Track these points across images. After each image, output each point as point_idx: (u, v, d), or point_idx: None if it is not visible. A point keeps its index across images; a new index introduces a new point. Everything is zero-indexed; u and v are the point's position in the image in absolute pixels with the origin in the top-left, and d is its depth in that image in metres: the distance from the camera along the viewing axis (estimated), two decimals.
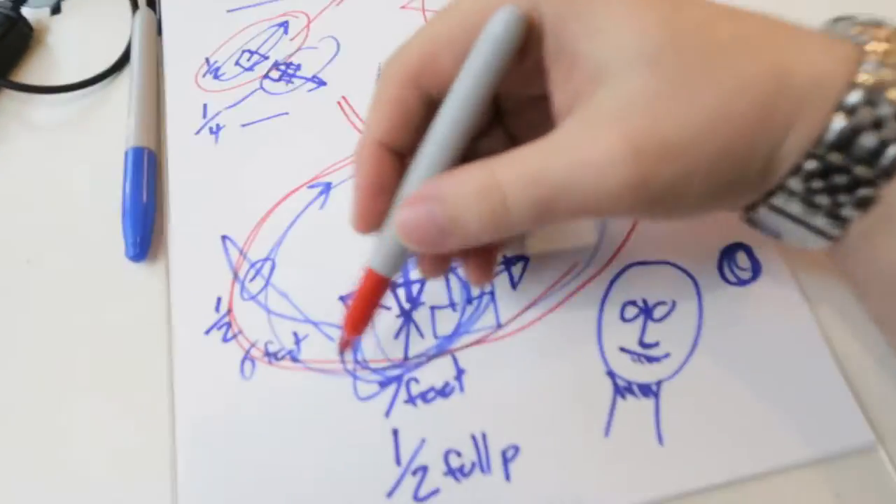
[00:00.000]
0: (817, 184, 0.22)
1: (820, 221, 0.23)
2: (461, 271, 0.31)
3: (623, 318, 0.30)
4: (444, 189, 0.23)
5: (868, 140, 0.21)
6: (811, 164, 0.22)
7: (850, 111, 0.21)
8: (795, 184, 0.22)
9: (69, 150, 0.39)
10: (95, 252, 0.35)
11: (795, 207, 0.23)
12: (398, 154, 0.26)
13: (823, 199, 0.22)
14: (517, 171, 0.22)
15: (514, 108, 0.27)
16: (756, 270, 0.30)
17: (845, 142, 0.21)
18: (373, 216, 0.26)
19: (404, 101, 0.25)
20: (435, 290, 0.32)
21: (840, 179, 0.22)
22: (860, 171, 0.21)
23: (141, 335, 0.33)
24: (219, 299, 0.32)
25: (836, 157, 0.21)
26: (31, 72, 0.42)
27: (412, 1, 0.41)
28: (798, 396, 0.27)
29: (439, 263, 0.28)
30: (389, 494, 0.27)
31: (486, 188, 0.22)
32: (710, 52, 0.22)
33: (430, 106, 0.25)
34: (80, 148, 0.39)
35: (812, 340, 0.28)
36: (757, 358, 0.28)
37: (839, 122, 0.21)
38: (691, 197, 0.22)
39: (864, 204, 0.22)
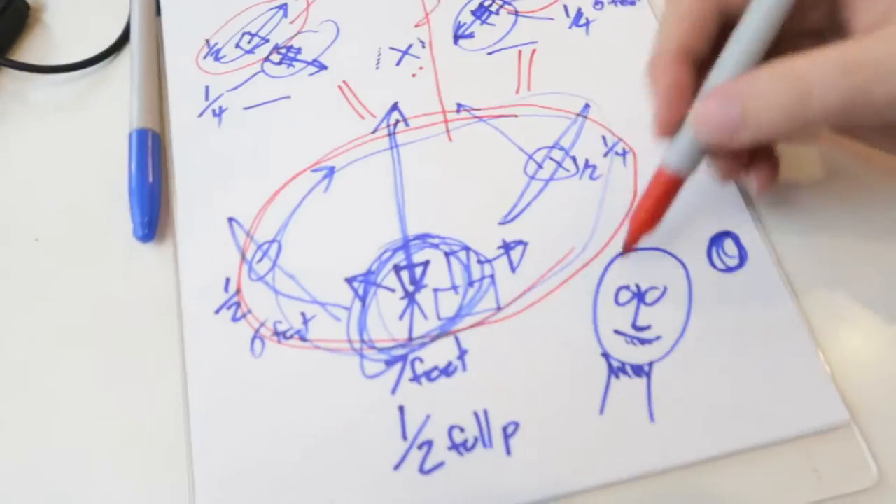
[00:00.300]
0: None
1: None
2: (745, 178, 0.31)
3: (617, 302, 0.32)
4: (742, 84, 0.24)
5: None
6: None
7: None
8: None
9: (71, 130, 0.39)
10: (103, 232, 0.36)
11: None
12: (692, 64, 0.27)
13: None
14: (825, 62, 0.23)
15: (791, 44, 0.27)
16: (742, 257, 0.32)
17: None
18: (672, 122, 0.27)
19: (701, 11, 0.26)
20: (437, 274, 0.33)
21: None
22: None
23: (151, 314, 0.34)
24: (227, 280, 0.34)
25: None
26: (29, 51, 0.42)
27: None
28: (779, 378, 0.29)
29: (731, 165, 0.29)
30: (396, 467, 0.29)
31: (786, 79, 0.23)
32: None
33: (721, 22, 0.27)
34: (81, 128, 0.39)
35: (793, 325, 0.30)
36: (741, 341, 0.30)
37: None
38: None
39: None
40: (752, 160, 0.30)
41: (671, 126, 0.28)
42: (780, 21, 0.25)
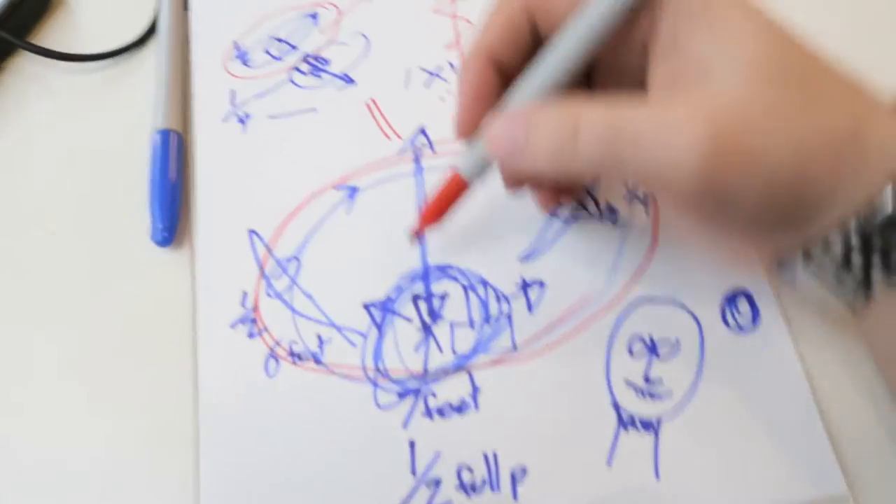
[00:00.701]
0: (856, 241, 0.24)
1: (850, 284, 0.25)
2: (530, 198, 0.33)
3: (630, 353, 0.32)
4: (531, 111, 0.25)
5: None
6: (854, 223, 0.24)
7: None
8: (835, 237, 0.24)
9: (91, 121, 0.38)
10: (120, 231, 0.35)
11: (829, 264, 0.25)
12: (500, 71, 0.28)
13: (857, 261, 0.24)
14: (598, 113, 0.24)
15: (602, 77, 0.29)
16: (755, 318, 0.33)
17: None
18: (471, 123, 0.28)
19: (516, 23, 0.27)
20: (455, 307, 0.33)
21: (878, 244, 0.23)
22: None
23: (164, 321, 0.33)
24: (245, 294, 0.34)
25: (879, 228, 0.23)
26: (51, 35, 0.41)
27: (444, 6, 0.41)
28: (783, 444, 0.30)
29: (515, 181, 0.31)
30: (404, 503, 0.29)
31: (563, 119, 0.24)
32: (808, 81, 0.24)
33: (534, 37, 0.27)
34: (102, 120, 0.38)
35: (800, 394, 0.31)
36: (748, 404, 0.31)
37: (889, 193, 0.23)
38: (743, 207, 0.24)
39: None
40: (538, 182, 0.31)
41: (469, 129, 0.28)
42: (586, 54, 0.26)
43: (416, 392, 0.31)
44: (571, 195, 0.34)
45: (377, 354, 0.32)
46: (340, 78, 0.39)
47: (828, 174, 0.23)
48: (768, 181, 0.23)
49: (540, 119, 0.25)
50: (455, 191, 0.30)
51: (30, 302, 0.34)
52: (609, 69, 0.28)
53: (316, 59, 0.39)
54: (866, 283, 0.24)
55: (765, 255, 0.32)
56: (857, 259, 0.24)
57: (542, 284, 0.34)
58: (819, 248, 0.25)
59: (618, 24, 0.25)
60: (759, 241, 0.27)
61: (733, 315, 0.33)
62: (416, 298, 0.33)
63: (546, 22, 0.27)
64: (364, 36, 0.40)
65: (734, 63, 0.23)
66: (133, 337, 0.33)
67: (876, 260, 0.24)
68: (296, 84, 0.39)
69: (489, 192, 0.35)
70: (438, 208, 0.30)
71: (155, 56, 0.40)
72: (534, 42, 0.27)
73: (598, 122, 0.24)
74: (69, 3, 0.43)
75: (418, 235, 0.32)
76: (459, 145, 0.29)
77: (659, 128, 0.23)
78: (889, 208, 0.23)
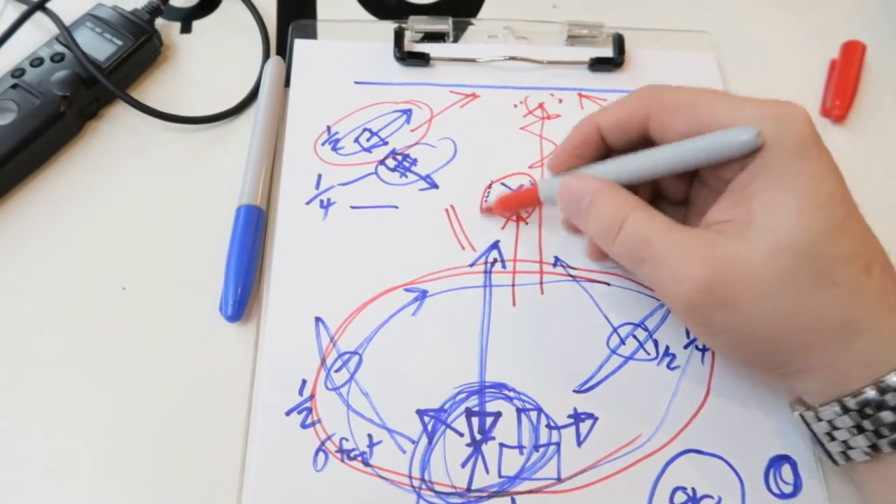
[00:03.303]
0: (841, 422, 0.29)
1: (834, 448, 0.30)
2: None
3: (671, 502, 0.32)
4: (603, 193, 0.31)
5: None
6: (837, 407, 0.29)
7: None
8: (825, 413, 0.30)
9: (179, 182, 0.40)
10: (190, 297, 0.36)
11: (820, 427, 0.30)
12: (603, 140, 0.33)
13: (841, 435, 0.30)
14: (642, 223, 0.30)
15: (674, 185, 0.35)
16: (797, 487, 0.33)
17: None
18: (562, 164, 0.35)
19: (634, 119, 0.32)
20: (506, 428, 0.34)
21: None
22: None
23: (220, 396, 0.34)
24: (304, 382, 0.34)
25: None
26: (154, 89, 0.43)
27: (531, 125, 0.43)
28: None
29: (572, 227, 0.38)
30: None
31: (617, 212, 0.31)
32: (827, 270, 0.28)
33: (640, 131, 0.32)
34: (190, 183, 0.40)
35: None
36: None
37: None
38: (722, 341, 0.31)
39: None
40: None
41: (559, 168, 0.35)
42: (679, 170, 0.31)
43: None
44: None
45: (424, 464, 0.33)
46: (424, 179, 0.40)
47: (801, 352, 0.29)
48: (742, 333, 0.29)
49: (602, 200, 0.31)
50: (526, 199, 0.37)
51: (90, 352, 0.35)
52: (703, 181, 0.34)
53: (404, 156, 0.41)
54: (845, 456, 0.30)
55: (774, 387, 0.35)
56: (841, 435, 0.30)
57: (594, 418, 0.34)
58: (812, 416, 0.30)
59: (705, 164, 0.31)
60: (751, 370, 0.34)
61: (776, 480, 0.33)
62: (469, 413, 0.34)
63: (660, 133, 0.32)
64: (452, 141, 0.42)
65: (770, 231, 0.28)
66: (186, 407, 0.34)
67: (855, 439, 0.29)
68: (381, 178, 0.40)
69: (551, 319, 0.36)
70: (510, 202, 0.38)
71: (250, 127, 0.41)
72: (641, 138, 0.33)
73: (636, 231, 0.30)
74: (175, 59, 0.44)
75: (485, 212, 0.39)
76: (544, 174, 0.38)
77: (675, 256, 0.29)
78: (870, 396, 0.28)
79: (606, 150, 0.34)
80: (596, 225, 0.32)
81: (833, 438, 0.30)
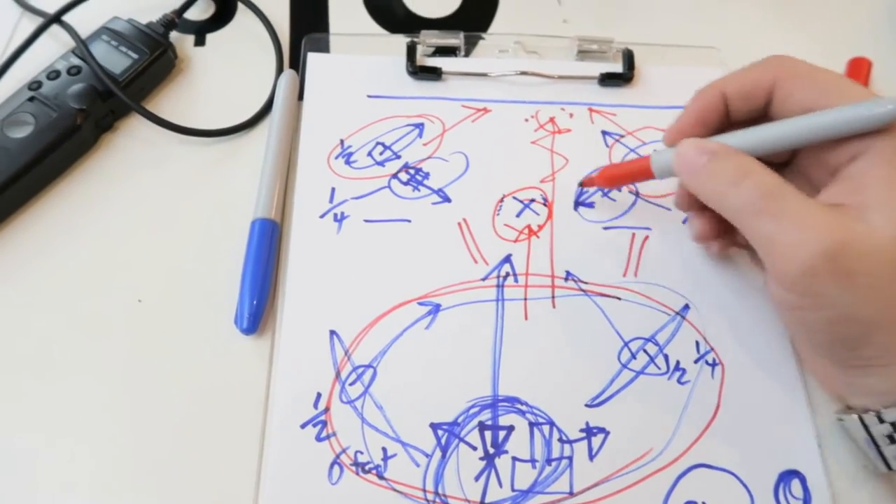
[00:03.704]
0: None
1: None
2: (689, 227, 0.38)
3: None
4: (722, 150, 0.31)
5: None
6: None
7: None
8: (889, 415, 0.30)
9: (194, 194, 0.40)
10: (205, 310, 0.37)
11: (880, 430, 0.31)
12: (725, 110, 0.33)
13: None
14: (769, 179, 0.29)
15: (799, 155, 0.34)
16: (807, 502, 0.34)
17: None
18: (680, 134, 0.33)
19: (759, 85, 0.32)
20: (519, 442, 0.34)
21: None
22: None
23: (235, 408, 0.34)
24: (318, 395, 0.34)
25: None
26: (169, 102, 0.43)
27: (542, 139, 0.43)
28: None
29: (685, 202, 0.36)
30: None
31: (741, 166, 0.30)
32: None
33: (766, 103, 0.32)
34: (205, 196, 0.40)
35: None
36: None
37: None
38: (815, 317, 0.30)
39: None
40: (721, 234, 0.36)
41: (677, 138, 0.33)
42: (806, 142, 0.31)
43: None
44: (725, 238, 0.36)
45: (438, 477, 0.33)
46: (437, 193, 0.40)
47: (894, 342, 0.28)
48: (847, 310, 0.28)
49: (724, 156, 0.31)
50: (638, 171, 0.36)
51: (105, 364, 0.35)
52: (797, 170, 0.34)
53: (416, 170, 0.41)
54: None
55: (828, 387, 0.36)
56: None
57: (605, 432, 0.35)
58: (873, 418, 0.31)
59: (835, 136, 0.30)
60: (822, 356, 0.32)
61: (786, 495, 0.34)
62: (482, 427, 0.34)
63: (782, 103, 0.32)
64: (464, 155, 0.42)
65: (893, 216, 0.28)
66: (201, 419, 0.34)
67: None
68: (394, 192, 0.40)
69: (563, 333, 0.36)
70: (617, 175, 0.37)
71: (264, 140, 0.41)
72: (763, 108, 0.33)
73: (766, 182, 0.29)
74: (190, 72, 0.45)
75: (586, 185, 0.39)
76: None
77: (803, 215, 0.28)
78: None
79: (727, 124, 0.34)
80: (716, 177, 0.31)
81: (894, 441, 0.30)
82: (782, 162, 0.34)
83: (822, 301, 0.29)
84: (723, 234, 0.36)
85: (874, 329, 0.28)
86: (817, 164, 0.32)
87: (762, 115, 0.33)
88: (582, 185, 0.39)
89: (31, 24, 0.45)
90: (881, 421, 0.30)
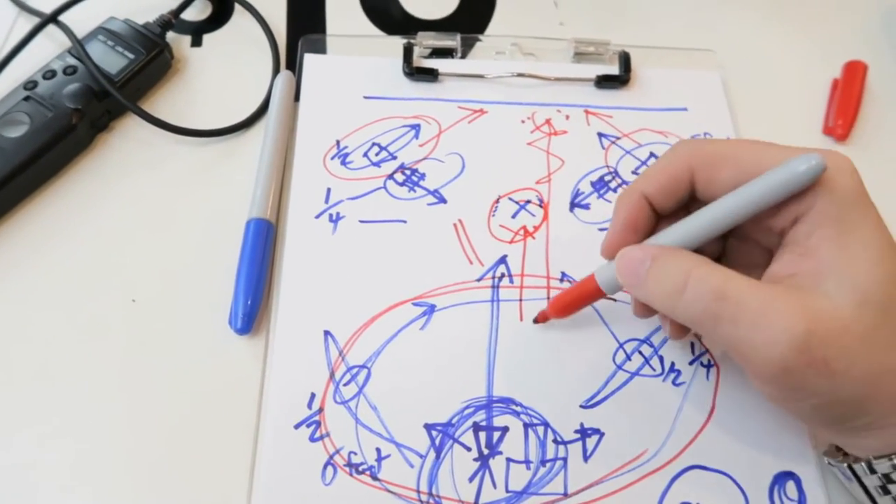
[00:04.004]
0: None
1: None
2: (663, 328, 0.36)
3: None
4: (659, 255, 0.29)
5: None
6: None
7: None
8: (880, 466, 0.29)
9: (189, 195, 0.40)
10: (199, 310, 0.36)
11: (870, 481, 0.30)
12: (652, 210, 0.32)
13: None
14: (711, 277, 0.27)
15: (734, 239, 0.33)
16: (801, 503, 0.33)
17: None
18: (616, 246, 0.32)
19: (678, 177, 0.31)
20: (513, 443, 0.34)
21: None
22: None
23: (229, 409, 0.34)
24: (312, 395, 0.34)
25: None
26: (165, 102, 0.43)
27: (538, 140, 0.43)
28: None
29: (642, 310, 0.33)
30: None
31: (679, 270, 0.28)
32: None
33: (690, 194, 0.31)
34: (200, 196, 0.40)
35: None
36: None
37: None
38: (806, 401, 0.28)
39: None
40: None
41: (613, 251, 0.32)
42: (736, 224, 0.29)
43: None
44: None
45: (432, 479, 0.33)
46: (432, 194, 0.40)
47: (888, 409, 0.27)
48: (832, 396, 0.27)
49: (664, 260, 0.29)
50: (588, 293, 0.34)
51: (99, 363, 0.35)
52: (744, 237, 0.32)
53: (412, 171, 0.41)
54: None
55: (819, 439, 0.35)
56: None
57: (600, 433, 0.35)
58: (863, 467, 0.29)
59: (769, 206, 0.28)
60: (815, 427, 0.32)
61: (781, 496, 0.34)
62: (476, 428, 0.34)
63: (706, 187, 0.30)
64: (460, 156, 0.42)
65: (850, 283, 0.26)
66: (195, 419, 0.34)
67: None
68: (389, 193, 0.40)
69: (558, 334, 0.36)
70: (568, 303, 0.35)
71: (260, 140, 0.41)
72: (689, 196, 0.31)
73: (709, 284, 0.27)
74: (186, 73, 0.45)
75: (540, 321, 0.36)
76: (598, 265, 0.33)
77: (761, 311, 0.26)
78: None
79: (657, 220, 0.32)
80: (658, 285, 0.29)
81: (888, 492, 0.29)
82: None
83: (805, 393, 0.27)
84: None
85: (865, 403, 0.27)
86: (762, 230, 0.30)
87: (690, 200, 0.32)
88: (536, 321, 0.37)
89: (27, 23, 0.45)
90: (872, 471, 0.29)
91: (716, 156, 0.30)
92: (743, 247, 0.32)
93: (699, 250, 0.30)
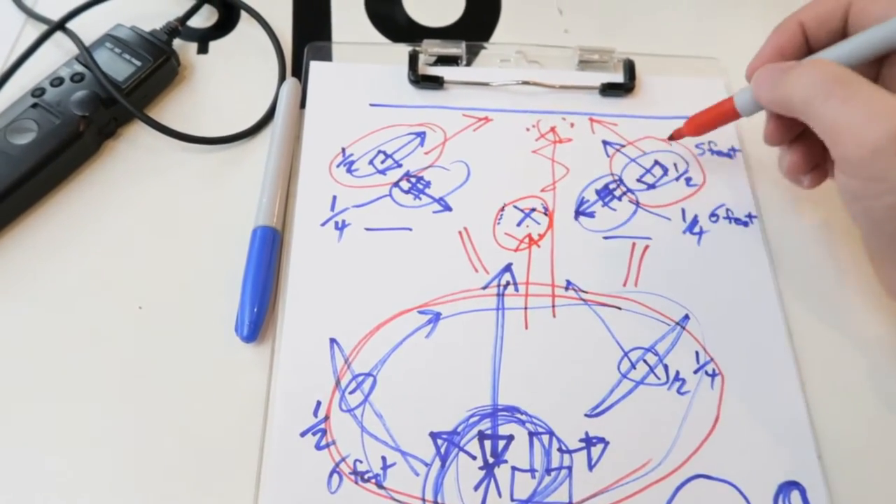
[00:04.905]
0: None
1: None
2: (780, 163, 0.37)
3: None
4: (798, 64, 0.31)
5: None
6: None
7: None
8: None
9: (196, 202, 0.40)
10: (205, 317, 0.37)
11: None
12: (805, 38, 0.34)
13: None
14: (840, 68, 0.30)
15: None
16: None
17: None
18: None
19: (837, 6, 0.33)
20: (519, 452, 0.34)
21: None
22: None
23: (234, 416, 0.34)
24: (318, 403, 0.34)
25: None
26: (171, 109, 0.43)
27: (543, 148, 0.43)
28: None
29: (775, 133, 0.35)
30: None
31: (813, 67, 0.30)
32: None
33: (843, 26, 0.33)
34: (206, 203, 0.40)
35: None
36: None
37: None
38: (881, 200, 0.29)
39: None
40: (812, 166, 0.36)
41: (758, 69, 0.34)
42: (881, 51, 0.31)
43: None
44: (816, 171, 0.36)
45: (437, 487, 0.33)
46: (438, 202, 0.41)
47: None
48: None
49: (799, 65, 0.31)
50: (723, 113, 0.37)
51: (105, 370, 0.35)
52: (890, 66, 0.34)
53: (417, 179, 0.41)
54: None
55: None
56: None
57: (605, 442, 0.35)
58: None
59: None
60: (890, 254, 0.31)
61: None
62: (482, 436, 0.34)
63: (859, 19, 0.32)
64: (465, 164, 0.42)
65: None
66: (201, 427, 0.34)
67: None
68: (395, 200, 0.40)
69: (563, 342, 0.36)
70: (704, 122, 0.38)
71: (266, 148, 0.41)
72: (842, 30, 0.33)
73: (834, 71, 0.30)
74: (192, 80, 0.45)
75: (675, 138, 0.40)
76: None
77: (871, 98, 0.28)
78: None
79: (807, 52, 0.34)
80: (792, 80, 0.31)
81: None
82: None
83: (886, 186, 0.28)
84: (814, 166, 0.36)
85: None
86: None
87: (842, 38, 0.33)
88: (671, 138, 0.41)
89: (35, 30, 0.45)
90: None
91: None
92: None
93: None
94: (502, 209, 0.41)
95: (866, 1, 0.32)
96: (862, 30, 0.32)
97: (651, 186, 0.42)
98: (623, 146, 0.44)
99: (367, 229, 0.39)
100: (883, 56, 0.32)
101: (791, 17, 0.34)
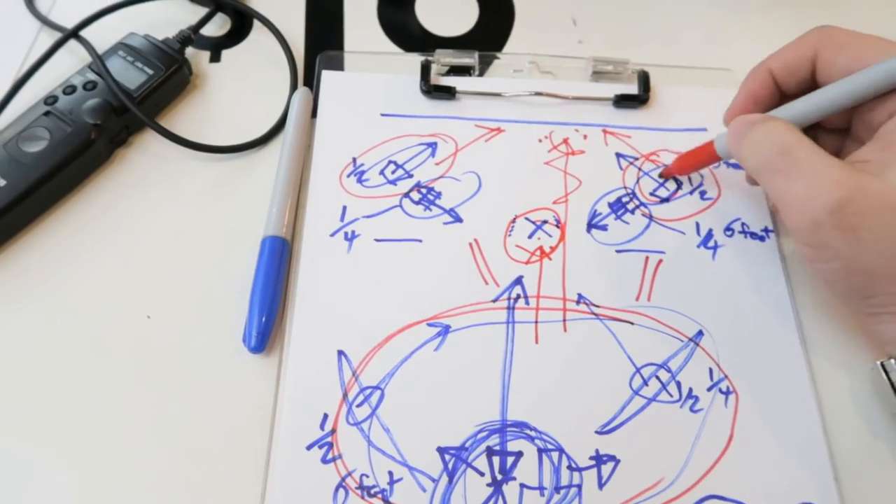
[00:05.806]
0: None
1: None
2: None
3: None
4: (760, 121, 0.33)
5: None
6: None
7: None
8: None
9: (205, 211, 0.40)
10: (213, 327, 0.36)
11: None
12: (776, 86, 0.36)
13: None
14: (788, 136, 0.31)
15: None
16: None
17: None
18: (736, 115, 0.35)
19: (804, 57, 0.34)
20: (527, 469, 0.34)
21: None
22: None
23: (241, 428, 0.34)
24: (325, 416, 0.34)
25: None
26: (183, 117, 0.43)
27: (556, 160, 0.43)
28: None
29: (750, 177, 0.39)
30: None
31: (766, 132, 0.32)
32: None
33: (811, 76, 0.35)
34: (216, 212, 0.40)
35: None
36: None
37: None
38: (837, 259, 0.31)
39: None
40: None
41: (733, 117, 0.35)
42: (844, 106, 0.33)
43: None
44: None
45: (444, 503, 0.32)
46: (448, 213, 0.40)
47: None
48: (853, 262, 0.30)
49: (760, 123, 0.33)
50: (705, 156, 0.39)
51: (113, 379, 0.35)
52: (858, 116, 0.35)
53: (428, 189, 0.41)
54: None
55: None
56: None
57: (616, 460, 0.34)
58: (892, 363, 0.33)
59: (877, 94, 0.32)
60: (842, 300, 0.34)
61: None
62: (490, 452, 0.34)
63: (825, 70, 0.34)
64: (477, 175, 0.42)
65: None
66: (207, 438, 0.34)
67: None
68: (405, 211, 0.40)
69: (574, 357, 0.36)
70: (690, 163, 0.40)
71: (276, 157, 0.41)
72: (811, 79, 0.35)
73: (782, 142, 0.31)
74: (204, 88, 0.45)
75: (665, 176, 0.42)
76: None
77: (813, 172, 0.30)
78: None
79: (780, 98, 0.36)
80: (752, 142, 0.32)
81: None
82: (843, 128, 0.36)
83: (829, 253, 0.30)
84: None
85: (881, 279, 0.30)
86: (864, 126, 0.34)
87: (812, 85, 0.35)
88: (662, 176, 0.42)
89: (49, 38, 0.45)
90: None
91: (839, 41, 0.33)
92: (850, 144, 0.35)
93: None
94: (513, 221, 0.40)
95: (832, 51, 0.33)
96: (829, 80, 0.33)
97: (665, 200, 0.42)
98: (636, 159, 0.43)
99: (377, 240, 0.39)
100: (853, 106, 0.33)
101: (761, 64, 0.36)
